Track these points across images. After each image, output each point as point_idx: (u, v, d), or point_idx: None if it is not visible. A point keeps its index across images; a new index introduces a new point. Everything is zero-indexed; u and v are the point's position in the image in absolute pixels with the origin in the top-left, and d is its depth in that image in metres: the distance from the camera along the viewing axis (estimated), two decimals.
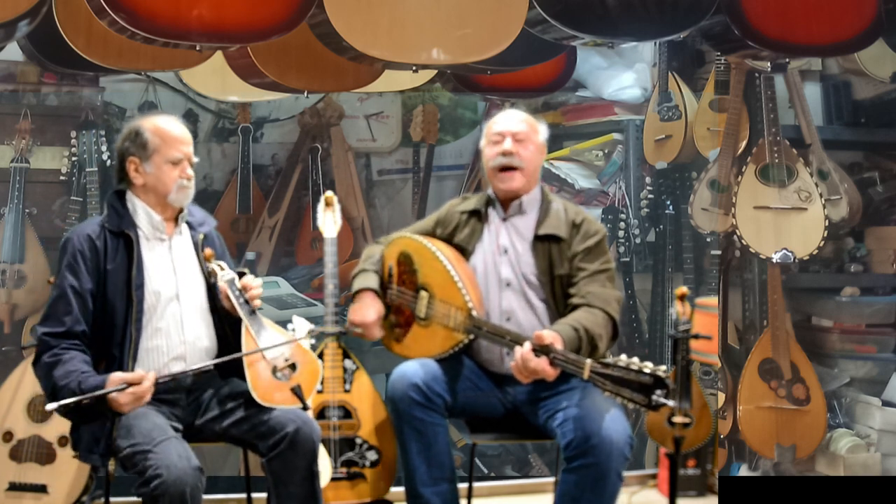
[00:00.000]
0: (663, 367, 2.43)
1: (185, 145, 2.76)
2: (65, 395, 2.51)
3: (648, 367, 2.44)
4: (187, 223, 2.84)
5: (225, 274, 2.75)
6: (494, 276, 2.96)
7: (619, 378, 2.47)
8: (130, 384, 2.52)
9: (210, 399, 2.77)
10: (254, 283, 2.77)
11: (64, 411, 2.50)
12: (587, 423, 2.64)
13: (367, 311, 3.01)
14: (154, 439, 2.50)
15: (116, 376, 2.53)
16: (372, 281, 3.06)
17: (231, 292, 2.72)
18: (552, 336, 2.64)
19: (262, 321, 2.75)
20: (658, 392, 2.40)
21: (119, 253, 2.68)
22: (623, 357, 2.50)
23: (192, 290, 2.78)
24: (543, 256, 2.93)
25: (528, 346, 2.64)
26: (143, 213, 2.75)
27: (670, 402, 2.37)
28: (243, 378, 2.69)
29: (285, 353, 2.73)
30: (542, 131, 3.03)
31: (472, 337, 2.87)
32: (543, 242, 2.94)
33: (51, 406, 2.47)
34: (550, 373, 2.62)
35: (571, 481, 2.66)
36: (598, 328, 2.77)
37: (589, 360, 2.55)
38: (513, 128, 2.97)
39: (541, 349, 2.62)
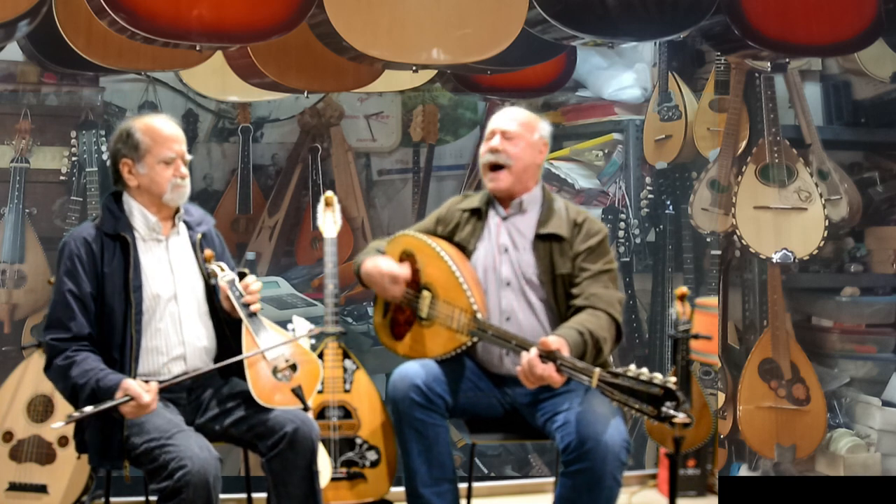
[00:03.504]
0: (673, 379, 2.42)
1: (178, 143, 2.73)
2: (84, 394, 2.53)
3: (658, 377, 2.43)
4: (185, 223, 2.84)
5: (225, 275, 2.75)
6: (494, 276, 2.95)
7: (627, 388, 2.46)
8: (133, 397, 2.50)
9: (210, 398, 2.77)
10: (254, 284, 2.77)
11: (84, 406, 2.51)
12: (583, 428, 2.63)
13: (378, 270, 2.95)
14: (170, 432, 2.52)
15: (127, 384, 2.52)
16: (371, 254, 3.05)
17: (231, 293, 2.72)
18: (558, 342, 2.62)
19: (262, 322, 2.75)
20: (668, 404, 2.39)
21: (116, 256, 2.68)
22: (632, 367, 2.49)
23: (190, 290, 2.77)
24: (544, 256, 2.91)
25: (534, 351, 2.62)
26: (138, 214, 2.74)
27: (680, 415, 2.37)
28: (244, 378, 2.69)
29: (286, 354, 2.73)
30: (540, 129, 2.99)
31: (475, 339, 2.87)
32: (544, 242, 2.92)
33: (56, 426, 2.48)
34: (557, 379, 2.61)
35: (568, 485, 2.66)
36: (602, 331, 2.76)
37: (598, 369, 2.53)
38: (503, 125, 2.94)
39: (547, 355, 2.61)
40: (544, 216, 2.96)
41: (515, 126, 2.94)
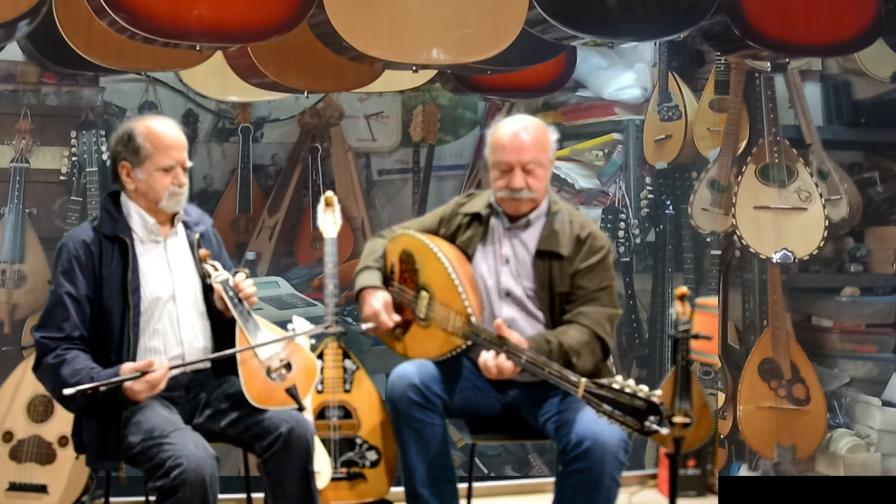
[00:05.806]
0: (658, 392, 2.42)
1: (179, 151, 2.72)
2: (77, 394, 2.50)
3: (643, 391, 2.43)
4: (183, 222, 2.83)
5: (219, 274, 2.74)
6: (495, 286, 2.94)
7: (612, 400, 2.46)
8: (145, 372, 2.50)
9: (207, 398, 2.77)
10: (245, 283, 2.75)
11: (80, 403, 2.49)
12: (581, 428, 2.64)
13: (372, 302, 2.95)
14: (166, 430, 2.52)
15: (128, 366, 2.52)
16: (374, 278, 3.03)
17: (224, 293, 2.71)
18: (518, 338, 2.70)
19: (256, 322, 2.73)
20: (651, 418, 2.39)
21: (114, 257, 2.68)
22: (619, 378, 2.49)
23: (188, 290, 2.77)
24: (544, 273, 2.88)
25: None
26: (136, 216, 2.74)
27: (663, 430, 2.37)
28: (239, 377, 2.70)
29: (280, 354, 2.72)
30: (551, 139, 2.93)
31: (469, 342, 2.85)
32: (545, 259, 2.89)
33: (69, 391, 2.42)
34: (508, 367, 2.68)
35: (567, 485, 2.67)
36: (576, 345, 2.76)
37: (584, 379, 2.54)
38: (523, 157, 2.83)
39: (499, 339, 2.69)
40: (547, 231, 2.91)
41: (534, 154, 2.84)
